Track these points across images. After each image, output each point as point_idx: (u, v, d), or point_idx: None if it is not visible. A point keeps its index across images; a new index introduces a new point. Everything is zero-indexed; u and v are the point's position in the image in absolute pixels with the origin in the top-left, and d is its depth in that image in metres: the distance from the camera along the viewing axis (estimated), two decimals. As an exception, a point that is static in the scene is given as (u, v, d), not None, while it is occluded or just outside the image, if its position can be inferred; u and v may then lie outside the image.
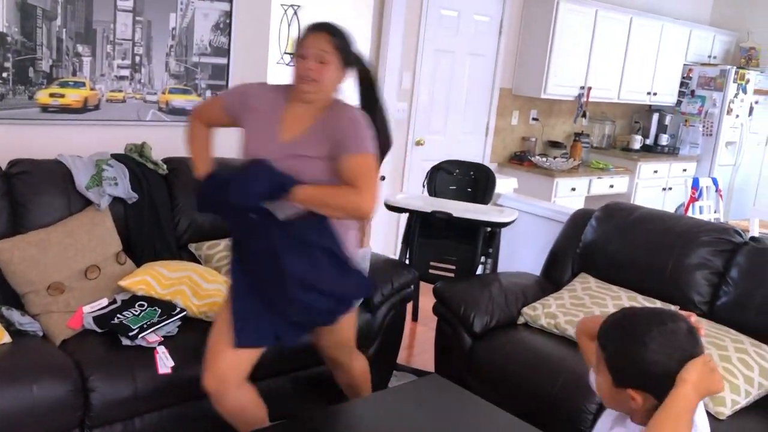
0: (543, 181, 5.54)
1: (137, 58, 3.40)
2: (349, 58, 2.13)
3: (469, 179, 3.90)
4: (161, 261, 2.78)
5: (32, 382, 2.13)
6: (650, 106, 6.83)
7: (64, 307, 2.46)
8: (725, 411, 2.29)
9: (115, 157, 2.98)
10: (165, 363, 2.40)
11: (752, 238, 2.86)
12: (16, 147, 2.94)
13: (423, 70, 4.96)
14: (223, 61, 3.69)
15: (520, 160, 5.78)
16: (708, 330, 2.59)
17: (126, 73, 3.40)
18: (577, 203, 5.46)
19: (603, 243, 3.15)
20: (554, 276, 3.29)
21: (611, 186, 6.03)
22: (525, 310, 2.98)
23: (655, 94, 6.54)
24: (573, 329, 2.77)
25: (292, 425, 2.07)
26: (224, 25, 3.64)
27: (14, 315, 2.40)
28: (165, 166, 3.10)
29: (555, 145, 6.11)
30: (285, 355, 2.71)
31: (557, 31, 5.44)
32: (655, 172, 6.39)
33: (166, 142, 3.40)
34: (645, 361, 1.25)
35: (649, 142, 6.79)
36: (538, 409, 2.49)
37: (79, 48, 3.18)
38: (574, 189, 5.69)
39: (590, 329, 1.54)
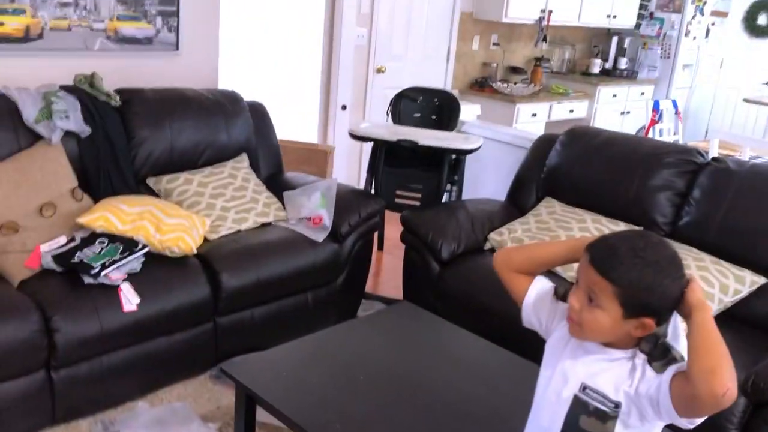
0: (504, 107, 5.50)
1: (81, -17, 3.20)
2: None
3: (433, 106, 3.84)
4: (121, 196, 2.69)
5: (-8, 324, 2.06)
6: (609, 29, 6.78)
7: (20, 247, 2.37)
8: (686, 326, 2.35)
9: (65, 88, 2.83)
10: (130, 300, 2.35)
11: (713, 159, 2.89)
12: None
13: (382, -5, 4.80)
14: (173, -16, 3.49)
15: (481, 86, 5.71)
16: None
17: (70, -1, 3.20)
18: (538, 129, 5.46)
19: (567, 167, 3.16)
20: (519, 201, 3.30)
21: (571, 111, 6.03)
22: (491, 235, 2.99)
23: (614, 16, 6.47)
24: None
25: (269, 354, 2.06)
26: (172, -54, 3.43)
27: (-33, 256, 2.30)
28: (118, 98, 2.96)
29: (516, 70, 6.04)
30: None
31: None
32: (614, 96, 6.40)
33: (117, 72, 3.24)
34: (664, 286, 1.25)
35: (608, 66, 6.77)
36: (504, 331, 2.50)
37: (16, -29, 2.97)
38: (534, 114, 5.68)
39: (518, 263, 1.51)
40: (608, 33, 6.87)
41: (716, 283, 2.48)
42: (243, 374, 1.90)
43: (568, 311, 1.34)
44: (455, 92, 5.39)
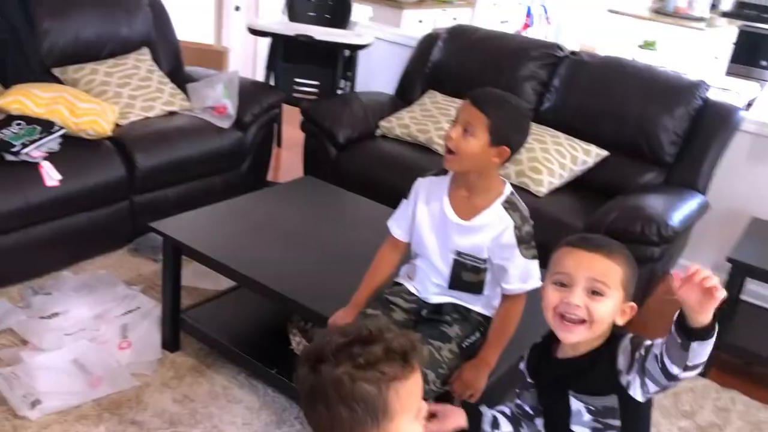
0: (391, 11, 5.74)
1: None
2: None
3: (326, 5, 4.06)
4: (32, 83, 2.80)
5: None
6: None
7: (-63, 127, 2.47)
8: (543, 190, 2.84)
9: (-38, -24, 2.85)
10: (51, 176, 2.53)
11: (572, 53, 3.34)
12: None
13: None
14: None
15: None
16: (533, 130, 3.08)
17: None
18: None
19: (448, 62, 3.52)
20: (406, 94, 3.64)
21: (454, 19, 6.36)
22: (381, 123, 3.34)
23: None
24: (423, 137, 3.18)
25: (190, 215, 2.33)
26: None
27: None
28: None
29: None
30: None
31: None
32: (495, 4, 6.78)
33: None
34: (522, 123, 1.73)
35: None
36: (393, 202, 2.91)
37: None
38: (421, 21, 5.97)
39: None
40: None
41: (568, 155, 2.97)
42: (169, 229, 2.19)
43: (445, 145, 1.70)
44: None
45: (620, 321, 1.33)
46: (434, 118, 3.27)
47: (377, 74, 4.35)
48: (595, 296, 1.29)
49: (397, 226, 1.87)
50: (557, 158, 2.93)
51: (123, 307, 2.50)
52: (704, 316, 1.13)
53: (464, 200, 1.75)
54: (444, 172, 1.81)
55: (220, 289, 2.56)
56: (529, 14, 5.37)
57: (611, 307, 1.30)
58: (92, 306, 2.48)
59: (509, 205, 1.72)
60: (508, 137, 1.67)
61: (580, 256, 1.31)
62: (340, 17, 4.03)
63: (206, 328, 2.29)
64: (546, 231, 2.61)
